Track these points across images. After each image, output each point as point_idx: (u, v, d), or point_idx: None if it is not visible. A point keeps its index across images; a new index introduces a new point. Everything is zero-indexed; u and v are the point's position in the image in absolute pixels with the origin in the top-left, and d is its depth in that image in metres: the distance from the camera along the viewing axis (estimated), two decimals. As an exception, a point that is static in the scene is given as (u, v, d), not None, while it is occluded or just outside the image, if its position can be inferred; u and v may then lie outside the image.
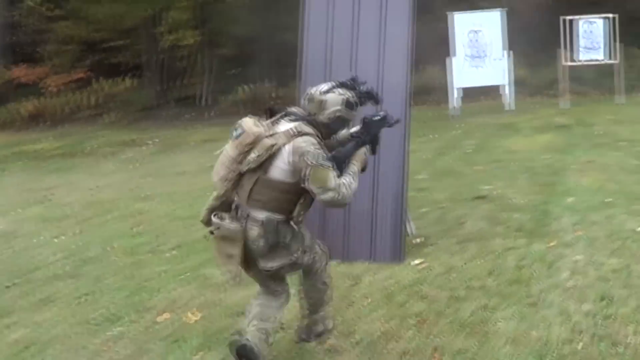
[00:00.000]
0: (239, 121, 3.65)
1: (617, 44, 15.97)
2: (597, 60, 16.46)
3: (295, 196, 3.63)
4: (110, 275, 6.63)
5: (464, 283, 5.65)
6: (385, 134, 4.01)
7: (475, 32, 16.88)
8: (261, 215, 3.58)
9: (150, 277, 6.46)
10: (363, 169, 3.81)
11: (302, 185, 3.52)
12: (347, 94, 3.66)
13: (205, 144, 16.30)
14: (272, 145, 3.51)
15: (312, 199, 3.65)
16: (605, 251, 6.11)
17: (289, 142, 3.53)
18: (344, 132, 3.87)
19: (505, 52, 16.52)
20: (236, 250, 3.57)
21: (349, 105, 3.66)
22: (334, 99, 3.63)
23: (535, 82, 20.92)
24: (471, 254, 6.40)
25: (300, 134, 3.56)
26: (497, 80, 16.81)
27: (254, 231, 3.58)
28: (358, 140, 3.78)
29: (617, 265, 5.73)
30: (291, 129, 3.58)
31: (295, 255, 3.74)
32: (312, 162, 3.45)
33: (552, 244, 6.45)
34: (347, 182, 3.54)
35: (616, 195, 8.00)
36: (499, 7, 16.58)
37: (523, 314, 4.93)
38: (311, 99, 3.66)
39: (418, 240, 6.93)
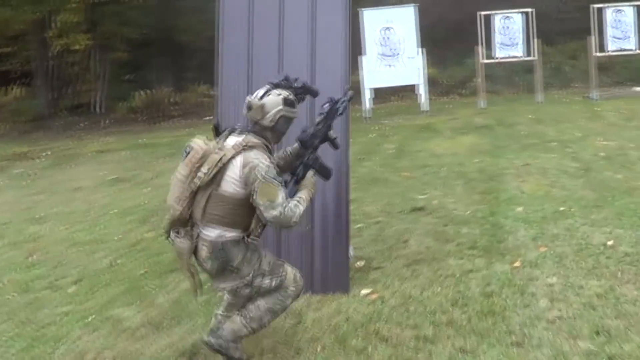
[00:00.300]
0: (189, 142, 3.75)
1: (535, 40, 15.76)
2: (515, 57, 16.21)
3: (250, 209, 3.71)
4: (2, 320, 5.59)
5: (427, 318, 4.84)
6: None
7: (387, 29, 16.28)
8: (212, 233, 3.71)
9: (50, 321, 5.49)
10: (326, 178, 4.27)
11: (252, 198, 3.64)
12: (284, 93, 3.83)
13: (102, 154, 15.16)
14: (221, 159, 3.62)
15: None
16: (580, 271, 5.46)
17: (237, 154, 3.65)
18: (295, 147, 4.13)
19: (420, 50, 15.97)
20: (184, 266, 3.76)
21: (288, 103, 3.82)
22: (273, 100, 3.79)
23: (447, 80, 20.64)
24: (426, 279, 5.63)
25: (249, 146, 3.68)
26: (412, 79, 16.27)
27: (203, 251, 3.72)
28: (297, 177, 4.00)
29: (600, 289, 5.07)
30: (238, 141, 3.71)
31: (247, 278, 3.81)
32: (262, 177, 3.59)
33: (516, 264, 5.75)
34: (293, 205, 3.69)
35: (568, 203, 7.45)
36: (411, 2, 16.00)
37: (511, 357, 4.15)
38: (250, 107, 3.79)
39: (359, 263, 6.09)
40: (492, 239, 6.50)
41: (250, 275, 3.81)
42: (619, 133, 11.93)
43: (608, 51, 15.72)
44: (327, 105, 4.19)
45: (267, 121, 3.75)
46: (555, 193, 8.09)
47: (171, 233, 3.76)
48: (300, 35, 5.73)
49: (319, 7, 5.76)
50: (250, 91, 5.53)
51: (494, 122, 14.60)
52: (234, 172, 3.64)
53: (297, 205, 3.68)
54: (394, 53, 16.16)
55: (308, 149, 4.06)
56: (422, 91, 16.26)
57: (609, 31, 15.45)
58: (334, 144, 4.28)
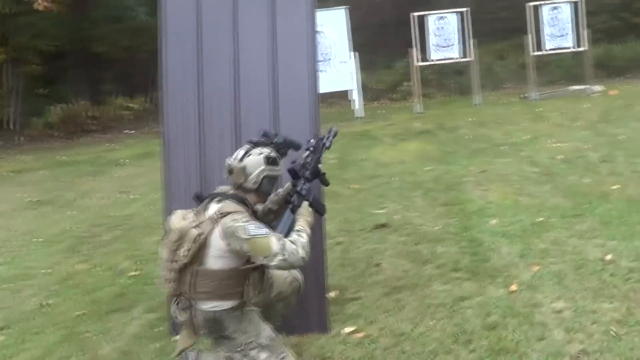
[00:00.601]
0: (167, 220, 3.63)
1: (471, 40, 15.52)
2: (451, 58, 15.92)
3: (240, 279, 3.56)
4: None
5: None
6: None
7: (317, 33, 15.64)
8: (205, 306, 3.54)
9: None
10: (320, 213, 4.20)
11: (253, 260, 3.50)
12: (265, 151, 3.71)
13: (18, 175, 14.04)
14: (199, 235, 3.46)
15: (261, 276, 3.69)
16: (586, 293, 4.96)
17: (215, 227, 3.49)
18: (281, 192, 4.03)
19: (352, 54, 15.46)
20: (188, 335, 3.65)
21: (271, 161, 3.71)
22: (254, 161, 3.67)
23: (376, 85, 20.27)
24: (413, 310, 5.04)
25: (224, 214, 3.50)
26: (344, 85, 15.74)
27: (198, 319, 3.58)
28: (292, 206, 3.84)
29: (616, 313, 4.59)
30: (214, 212, 3.54)
31: (242, 348, 3.60)
32: (246, 237, 3.42)
33: (512, 287, 5.23)
34: (293, 239, 3.52)
35: (544, 213, 7.02)
36: (342, 4, 15.47)
37: (544, 407, 3.55)
38: (231, 171, 3.68)
39: (332, 294, 5.43)
40: (475, 258, 5.97)
41: (245, 345, 3.61)
42: (568, 134, 11.73)
43: (545, 50, 15.60)
44: (313, 140, 4.17)
45: (250, 183, 3.65)
46: (524, 202, 7.67)
47: (172, 309, 3.70)
48: (258, 38, 5.06)
49: (279, 6, 5.09)
50: (200, 102, 4.91)
51: (433, 126, 14.25)
52: (215, 246, 3.49)
53: (298, 239, 3.54)
54: (325, 58, 15.57)
55: (299, 179, 3.96)
56: (356, 97, 15.77)
57: (546, 29, 15.34)
58: (323, 180, 4.24)
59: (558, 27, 15.25)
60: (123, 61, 21.82)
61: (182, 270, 3.49)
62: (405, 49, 17.47)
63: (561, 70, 19.63)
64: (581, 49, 15.42)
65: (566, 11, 15.18)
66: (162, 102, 5.01)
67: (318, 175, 4.13)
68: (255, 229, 3.44)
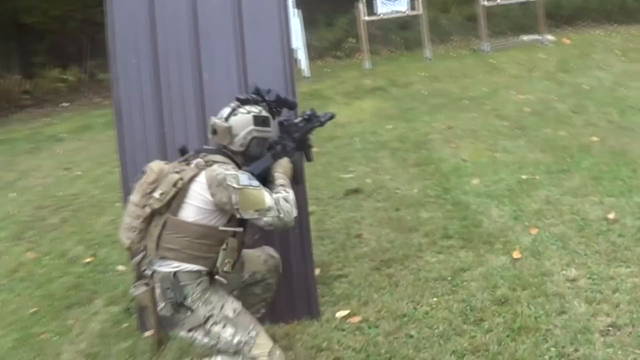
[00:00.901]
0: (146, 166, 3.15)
1: (419, -8, 14.97)
2: (399, 12, 15.34)
3: (214, 242, 3.07)
4: None
5: (442, 346, 3.79)
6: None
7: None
8: (166, 266, 3.03)
9: None
10: (297, 181, 3.56)
11: (239, 216, 3.03)
12: (253, 110, 3.27)
13: None
14: (179, 180, 3.04)
15: (239, 246, 3.16)
16: (598, 257, 4.59)
17: (199, 173, 3.08)
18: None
19: (296, 12, 14.74)
20: (151, 320, 3.15)
21: (260, 121, 3.26)
22: (241, 120, 3.24)
23: (318, 43, 19.57)
24: (409, 286, 4.58)
25: (211, 162, 3.13)
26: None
27: (157, 291, 3.06)
28: (274, 152, 3.39)
29: (639, 279, 4.17)
30: (198, 161, 3.16)
31: (202, 322, 3.05)
32: (237, 186, 2.98)
33: (514, 254, 4.80)
34: (283, 196, 3.09)
35: (527, 169, 6.65)
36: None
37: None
38: (215, 131, 3.24)
39: (315, 272, 4.86)
40: (465, 223, 5.53)
41: (207, 318, 3.06)
42: (529, 85, 11.38)
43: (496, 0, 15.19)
44: (309, 111, 3.66)
45: (236, 145, 3.23)
46: (502, 158, 7.27)
47: (130, 289, 3.18)
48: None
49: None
50: (156, 65, 4.25)
51: (385, 83, 13.70)
52: (196, 195, 3.05)
53: (287, 196, 3.09)
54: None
55: (289, 134, 3.53)
56: (302, 56, 15.09)
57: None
58: (308, 153, 3.72)
59: (510, -25, 14.81)
60: (54, 31, 20.54)
61: (149, 217, 3.08)
62: (345, 6, 16.83)
63: (508, 21, 19.26)
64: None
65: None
66: (111, 68, 4.32)
67: (304, 145, 3.65)
68: (248, 179, 3.02)
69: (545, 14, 16.08)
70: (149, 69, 4.28)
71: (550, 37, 15.61)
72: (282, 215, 3.00)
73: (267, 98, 3.36)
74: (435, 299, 4.34)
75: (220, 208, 3.04)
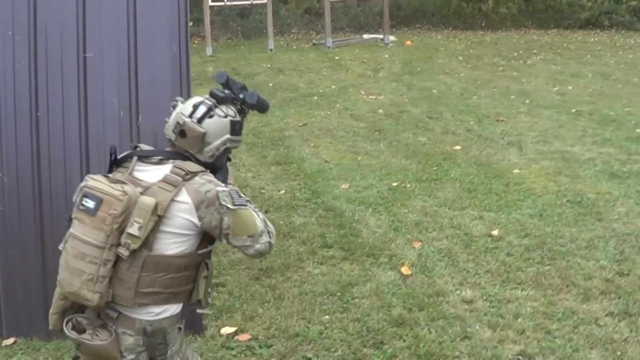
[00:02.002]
0: (84, 186, 2.36)
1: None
2: (245, 0, 14.95)
3: (193, 270, 2.47)
4: None
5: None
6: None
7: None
8: (144, 316, 2.41)
9: None
10: None
11: (225, 242, 2.45)
12: (229, 113, 2.57)
13: None
14: (157, 205, 2.31)
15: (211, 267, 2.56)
16: (490, 277, 4.58)
17: (178, 192, 2.37)
18: None
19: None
20: None
21: (237, 130, 2.59)
22: (218, 125, 2.52)
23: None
24: (296, 300, 4.34)
25: (190, 172, 2.42)
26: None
27: (129, 340, 2.42)
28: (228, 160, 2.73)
29: (537, 303, 4.26)
30: (170, 174, 2.40)
31: None
32: (232, 207, 2.39)
33: (403, 269, 4.65)
34: (259, 212, 2.53)
35: (396, 176, 6.61)
36: None
37: None
38: (184, 133, 2.48)
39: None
40: (343, 231, 5.31)
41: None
42: (377, 86, 11.44)
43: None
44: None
45: (205, 156, 2.53)
46: (365, 162, 7.15)
47: (68, 332, 2.40)
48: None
49: None
50: (35, 33, 3.63)
51: (228, 71, 13.19)
52: (181, 219, 2.39)
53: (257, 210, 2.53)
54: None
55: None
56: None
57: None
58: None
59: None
60: None
61: (117, 263, 2.35)
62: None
63: (348, 17, 19.49)
64: (380, -4, 15.23)
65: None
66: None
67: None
68: (238, 196, 2.45)
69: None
70: (25, 41, 3.65)
71: (392, 37, 15.88)
72: (272, 241, 2.50)
73: (245, 99, 2.64)
74: (327, 316, 4.09)
75: (205, 230, 2.44)
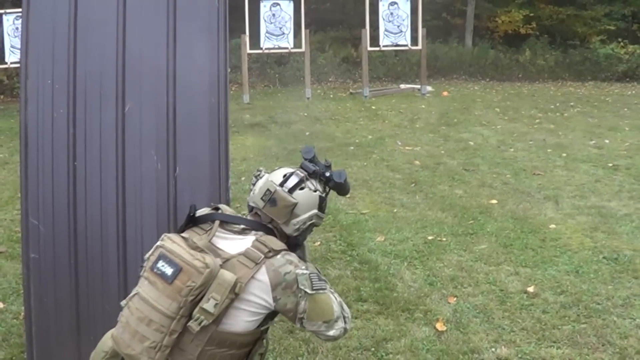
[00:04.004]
0: (161, 246, 2.30)
1: (304, 30, 14.92)
2: (284, 48, 15.22)
3: (250, 345, 2.41)
4: None
5: None
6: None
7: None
8: None
9: None
10: None
11: (299, 325, 2.40)
12: (319, 188, 2.59)
13: None
14: (236, 283, 2.24)
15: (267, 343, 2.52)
16: (525, 335, 4.55)
17: (256, 270, 2.31)
18: None
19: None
20: None
21: (323, 207, 2.59)
22: (309, 199, 2.53)
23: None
24: (330, 355, 4.32)
25: (272, 252, 2.36)
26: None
27: None
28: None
29: (569, 358, 4.10)
30: (252, 249, 2.35)
31: None
32: (310, 292, 2.34)
33: (438, 325, 4.66)
34: (337, 295, 2.49)
35: (432, 229, 6.64)
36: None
37: None
38: (274, 201, 2.47)
39: None
40: (378, 285, 5.34)
41: None
42: (413, 136, 11.51)
43: (381, 46, 15.39)
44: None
45: (291, 228, 2.51)
46: (401, 214, 7.17)
47: None
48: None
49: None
50: (74, 83, 3.75)
51: (265, 119, 13.48)
52: (256, 298, 2.33)
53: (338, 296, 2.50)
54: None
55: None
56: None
57: (383, 25, 15.13)
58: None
59: (395, 24, 15.07)
60: None
61: (185, 333, 2.29)
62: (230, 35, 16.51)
63: (385, 67, 19.70)
64: (417, 47, 15.37)
65: (404, 8, 15.05)
66: (21, 89, 3.77)
67: None
68: (319, 279, 2.40)
69: (419, 64, 16.50)
70: (65, 87, 3.77)
71: (429, 87, 15.99)
72: (347, 326, 2.45)
73: (332, 177, 2.60)
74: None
75: (280, 312, 2.40)
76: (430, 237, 6.36)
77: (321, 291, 2.38)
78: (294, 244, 2.56)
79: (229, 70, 4.10)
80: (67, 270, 3.76)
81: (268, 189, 2.47)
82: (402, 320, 4.75)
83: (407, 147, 10.62)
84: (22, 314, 4.10)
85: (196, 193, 3.76)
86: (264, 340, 2.47)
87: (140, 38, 3.91)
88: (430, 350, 4.32)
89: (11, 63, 14.07)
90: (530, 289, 5.13)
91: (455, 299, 5.05)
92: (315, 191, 2.55)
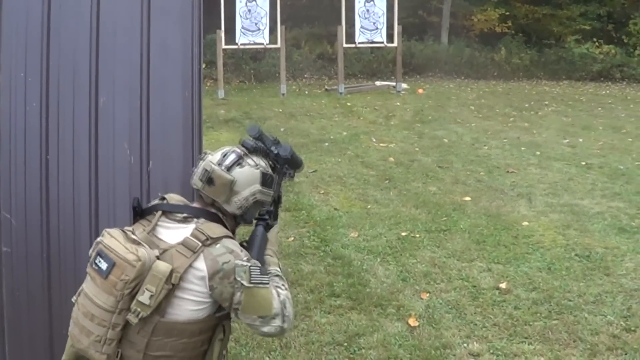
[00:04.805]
0: (99, 242, 2.33)
1: (280, 26, 14.93)
2: (259, 44, 15.22)
3: (208, 333, 2.41)
4: None
5: None
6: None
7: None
8: None
9: None
10: None
11: (234, 316, 2.40)
12: (261, 164, 2.55)
13: None
14: (171, 273, 2.25)
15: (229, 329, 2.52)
16: (497, 331, 4.63)
17: (195, 260, 2.30)
18: None
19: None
20: None
21: (267, 182, 2.54)
22: (247, 175, 2.49)
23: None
24: (302, 349, 4.36)
25: (209, 240, 2.32)
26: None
27: None
28: (265, 222, 2.64)
29: (540, 354, 4.24)
30: (190, 238, 2.33)
31: None
32: (247, 284, 2.31)
33: (411, 321, 4.71)
34: (286, 295, 2.43)
35: (405, 226, 6.72)
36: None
37: None
38: (211, 180, 2.45)
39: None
40: (351, 281, 5.38)
41: None
42: (388, 133, 11.58)
43: (357, 43, 15.45)
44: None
45: (234, 206, 2.47)
46: (375, 210, 7.23)
47: None
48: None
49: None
50: (47, 78, 3.74)
51: (239, 115, 13.47)
52: (194, 287, 2.32)
53: (288, 294, 2.45)
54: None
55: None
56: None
57: (359, 22, 15.19)
58: (277, 214, 2.82)
59: (371, 21, 15.13)
60: None
61: (126, 327, 2.31)
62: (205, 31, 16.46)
63: (361, 64, 19.74)
64: (393, 44, 15.46)
65: (380, 5, 15.11)
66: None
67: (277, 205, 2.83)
68: (260, 273, 2.35)
69: (394, 62, 16.58)
70: (37, 83, 3.76)
71: (404, 85, 16.08)
72: (285, 326, 2.38)
73: (278, 152, 2.61)
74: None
75: (215, 300, 2.37)
76: (403, 234, 6.42)
77: (260, 285, 2.34)
78: (244, 221, 2.55)
79: (203, 65, 4.12)
80: (39, 263, 3.76)
81: (205, 169, 2.44)
82: (374, 315, 4.80)
83: (381, 144, 10.68)
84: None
85: (169, 187, 3.75)
86: (224, 327, 2.45)
87: (115, 31, 3.90)
88: (402, 346, 4.37)
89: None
90: (503, 285, 5.21)
91: (427, 294, 5.11)
92: (256, 167, 2.50)
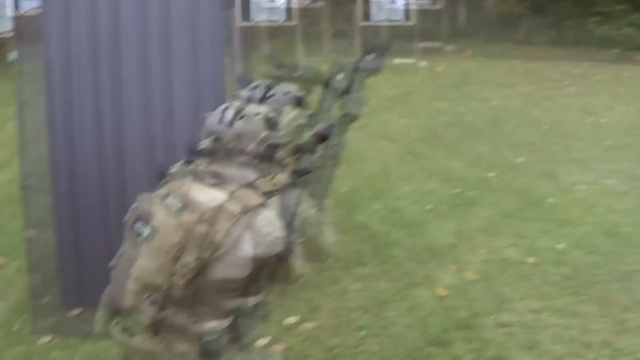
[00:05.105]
0: (137, 209, 2.32)
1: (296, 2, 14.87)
2: (276, 21, 15.20)
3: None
4: None
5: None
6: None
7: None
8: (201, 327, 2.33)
9: None
10: None
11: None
12: (262, 110, 2.52)
13: None
14: (213, 236, 2.21)
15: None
16: (527, 303, 4.50)
17: (235, 225, 2.23)
18: None
19: None
20: None
21: (272, 125, 2.48)
22: (251, 126, 2.43)
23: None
24: (330, 314, 4.31)
25: (250, 209, 2.27)
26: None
27: (181, 347, 2.33)
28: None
29: (574, 332, 4.19)
30: (228, 202, 2.26)
31: None
32: (279, 253, 2.32)
33: (439, 291, 4.72)
34: None
35: (429, 199, 6.69)
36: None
37: None
38: (220, 140, 2.42)
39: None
40: (376, 250, 5.37)
41: None
42: (409, 110, 11.52)
43: (374, 20, 15.42)
44: None
45: (248, 157, 2.39)
46: (399, 184, 7.18)
47: (115, 334, 2.35)
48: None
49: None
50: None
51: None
52: (235, 253, 2.25)
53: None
54: None
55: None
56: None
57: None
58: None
59: (388, -1, 15.14)
60: None
61: (173, 286, 2.29)
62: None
63: (378, 41, 19.58)
64: (410, 23, 15.45)
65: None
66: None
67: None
68: (292, 245, 2.39)
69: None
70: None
71: (424, 62, 15.98)
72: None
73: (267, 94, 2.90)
74: (362, 332, 4.15)
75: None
76: (428, 207, 6.40)
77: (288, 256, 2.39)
78: (264, 166, 2.42)
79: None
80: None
81: (206, 132, 2.44)
82: (401, 286, 4.80)
83: (403, 120, 10.63)
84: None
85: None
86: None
87: None
88: (432, 314, 4.36)
89: None
90: (531, 260, 5.19)
91: (455, 265, 5.10)
92: (257, 115, 2.46)
